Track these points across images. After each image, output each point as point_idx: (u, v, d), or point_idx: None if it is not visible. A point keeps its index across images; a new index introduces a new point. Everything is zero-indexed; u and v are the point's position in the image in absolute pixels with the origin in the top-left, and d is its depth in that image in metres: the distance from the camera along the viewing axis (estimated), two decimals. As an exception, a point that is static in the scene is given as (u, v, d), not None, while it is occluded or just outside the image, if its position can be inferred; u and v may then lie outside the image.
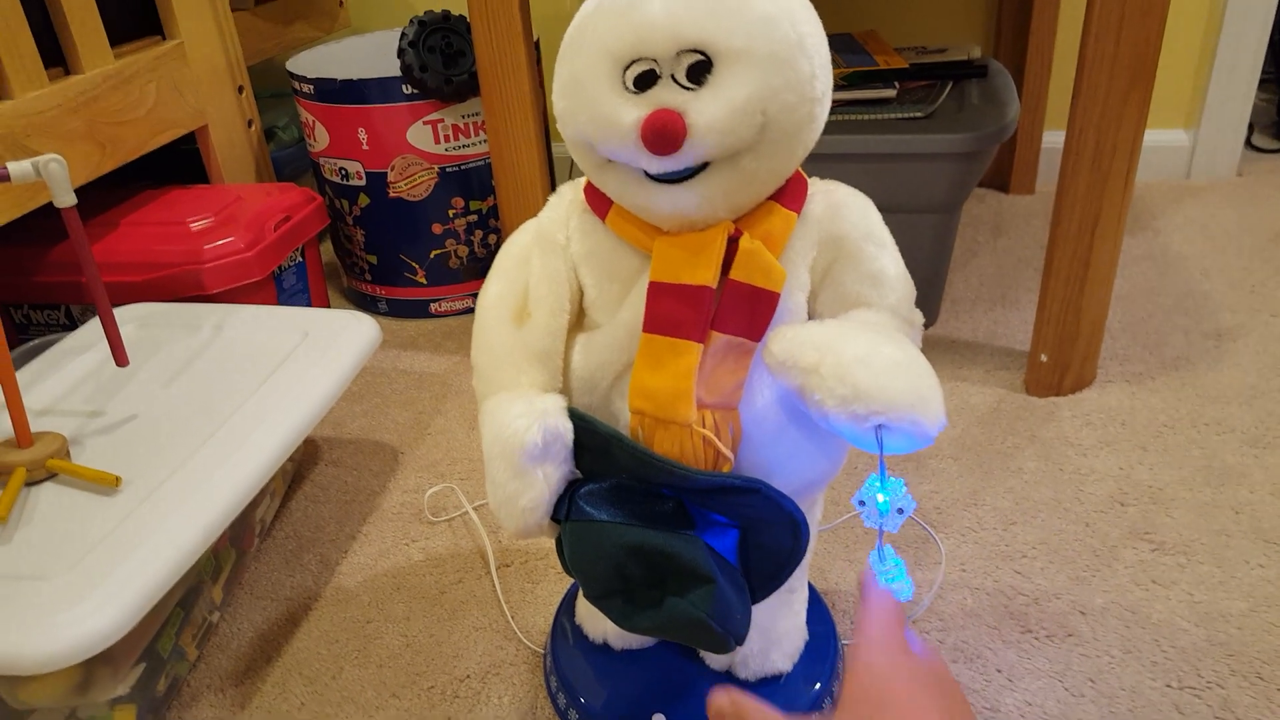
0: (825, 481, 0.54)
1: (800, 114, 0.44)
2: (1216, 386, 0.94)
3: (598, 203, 0.50)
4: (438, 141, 1.08)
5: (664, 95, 0.42)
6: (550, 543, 0.80)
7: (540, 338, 0.50)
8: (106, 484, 0.64)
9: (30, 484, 0.66)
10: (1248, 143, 1.47)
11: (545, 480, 0.47)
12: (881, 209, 0.52)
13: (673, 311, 0.46)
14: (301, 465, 0.92)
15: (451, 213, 1.13)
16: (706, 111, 0.42)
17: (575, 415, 0.48)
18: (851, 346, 0.44)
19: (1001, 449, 0.88)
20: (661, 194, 0.45)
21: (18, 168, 0.62)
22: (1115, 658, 0.65)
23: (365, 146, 1.09)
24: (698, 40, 0.41)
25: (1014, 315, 1.09)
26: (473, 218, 1.14)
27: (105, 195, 1.04)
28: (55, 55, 0.90)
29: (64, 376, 0.78)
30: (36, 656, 0.52)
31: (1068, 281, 0.89)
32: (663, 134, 0.41)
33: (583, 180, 0.52)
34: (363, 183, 1.11)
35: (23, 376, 0.78)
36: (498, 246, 1.16)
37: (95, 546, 0.58)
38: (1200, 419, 0.89)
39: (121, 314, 0.87)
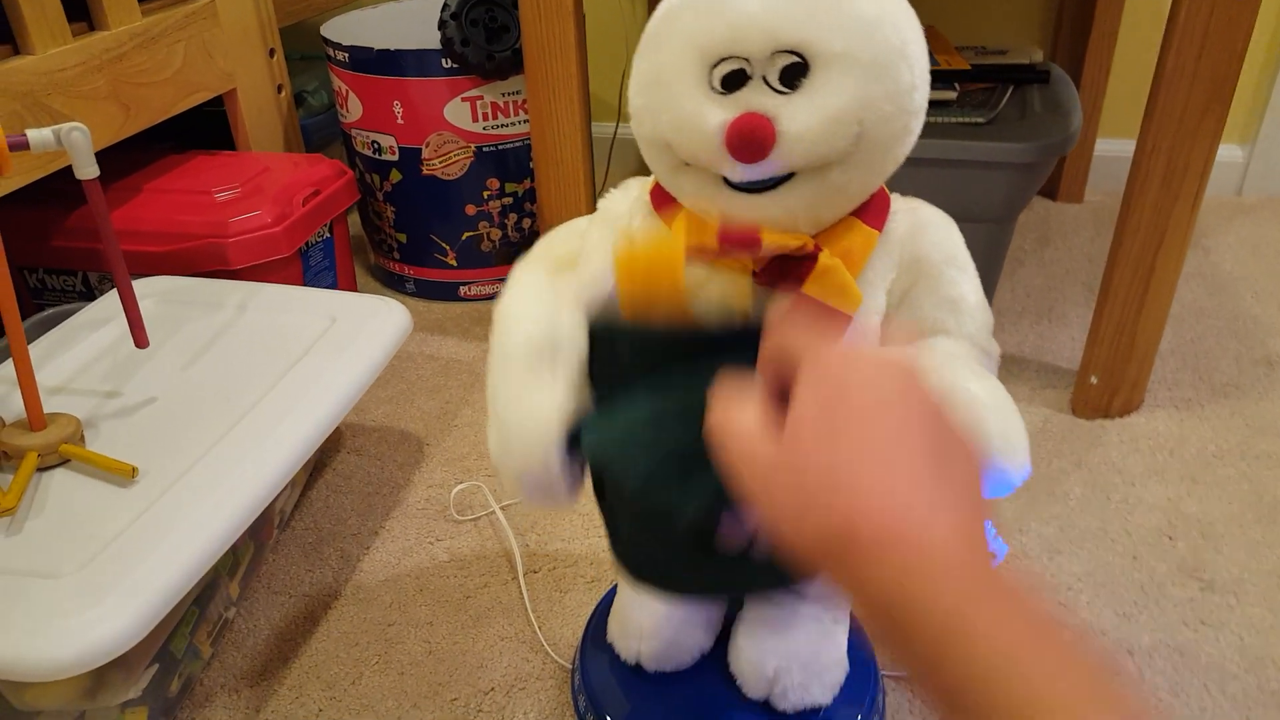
0: None
1: (896, 126, 0.41)
2: (1267, 417, 0.90)
3: (665, 207, 0.47)
4: (475, 120, 1.04)
5: (754, 98, 0.39)
6: (578, 549, 0.76)
7: (578, 286, 0.47)
8: (122, 474, 0.61)
9: (42, 469, 0.62)
10: (1304, 160, 1.42)
11: (558, 385, 0.42)
12: None
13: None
14: (324, 452, 0.89)
15: (486, 194, 1.09)
16: (799, 118, 0.39)
17: (595, 325, 0.43)
18: (936, 380, 0.40)
19: (1048, 472, 0.84)
20: (741, 203, 0.42)
21: (38, 136, 0.58)
22: (1163, 700, 0.63)
23: (400, 120, 1.04)
24: (796, 41, 0.38)
25: (1061, 331, 1.06)
26: (508, 200, 1.10)
27: (126, 158, 1.00)
28: (80, 10, 0.86)
29: (80, 352, 0.75)
30: (44, 662, 0.49)
31: (1125, 303, 0.86)
32: (750, 139, 0.39)
33: (650, 179, 0.48)
34: (395, 158, 1.07)
35: (36, 350, 0.75)
36: (533, 231, 1.13)
37: (109, 543, 0.55)
38: (1250, 451, 0.86)
39: (141, 287, 0.83)
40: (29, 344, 0.78)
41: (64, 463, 0.63)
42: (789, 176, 0.40)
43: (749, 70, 0.39)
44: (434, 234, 1.11)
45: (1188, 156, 0.79)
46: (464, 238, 1.11)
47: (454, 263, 1.13)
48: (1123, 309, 0.86)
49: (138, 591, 0.52)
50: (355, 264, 1.22)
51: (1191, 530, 0.77)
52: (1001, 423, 0.40)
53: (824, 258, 0.42)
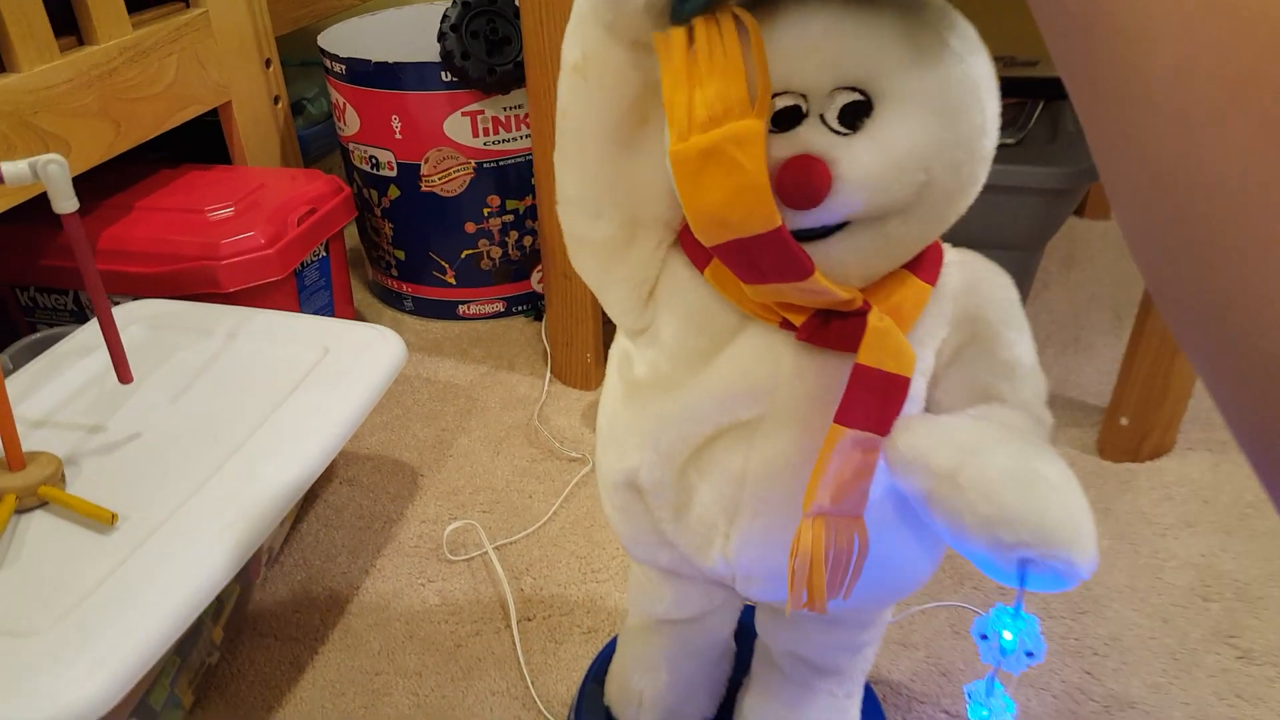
0: (917, 588, 0.48)
1: (965, 175, 0.37)
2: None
3: (696, 252, 0.42)
4: (476, 135, 1.01)
5: (809, 138, 0.35)
6: (575, 595, 0.74)
7: None
8: (101, 520, 0.58)
9: (20, 511, 0.60)
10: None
11: None
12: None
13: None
14: (317, 482, 0.86)
15: (486, 211, 1.06)
16: (860, 162, 0.34)
17: None
18: (999, 455, 0.37)
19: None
20: None
21: (13, 169, 0.55)
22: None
23: (398, 135, 1.01)
24: (860, 77, 0.34)
25: (1087, 363, 1.02)
26: (509, 218, 1.07)
27: (117, 173, 0.97)
28: (68, 24, 0.83)
29: (64, 382, 0.72)
30: (15, 728, 0.46)
31: (1161, 341, 0.81)
32: (804, 184, 0.34)
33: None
34: (394, 174, 1.04)
35: (21, 379, 0.72)
36: (533, 249, 1.10)
37: (86, 597, 0.53)
38: (1283, 497, 0.82)
39: (130, 311, 0.81)
40: (15, 370, 0.76)
41: (42, 505, 0.60)
42: (841, 225, 0.36)
43: (804, 107, 0.35)
44: (433, 251, 1.09)
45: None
46: (463, 256, 1.09)
47: (453, 281, 1.10)
48: (1158, 348, 0.81)
49: (114, 651, 0.49)
50: (353, 279, 1.20)
51: (1226, 591, 0.73)
52: (1070, 510, 0.36)
53: (874, 318, 0.38)
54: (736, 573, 0.46)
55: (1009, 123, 0.92)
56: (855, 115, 0.34)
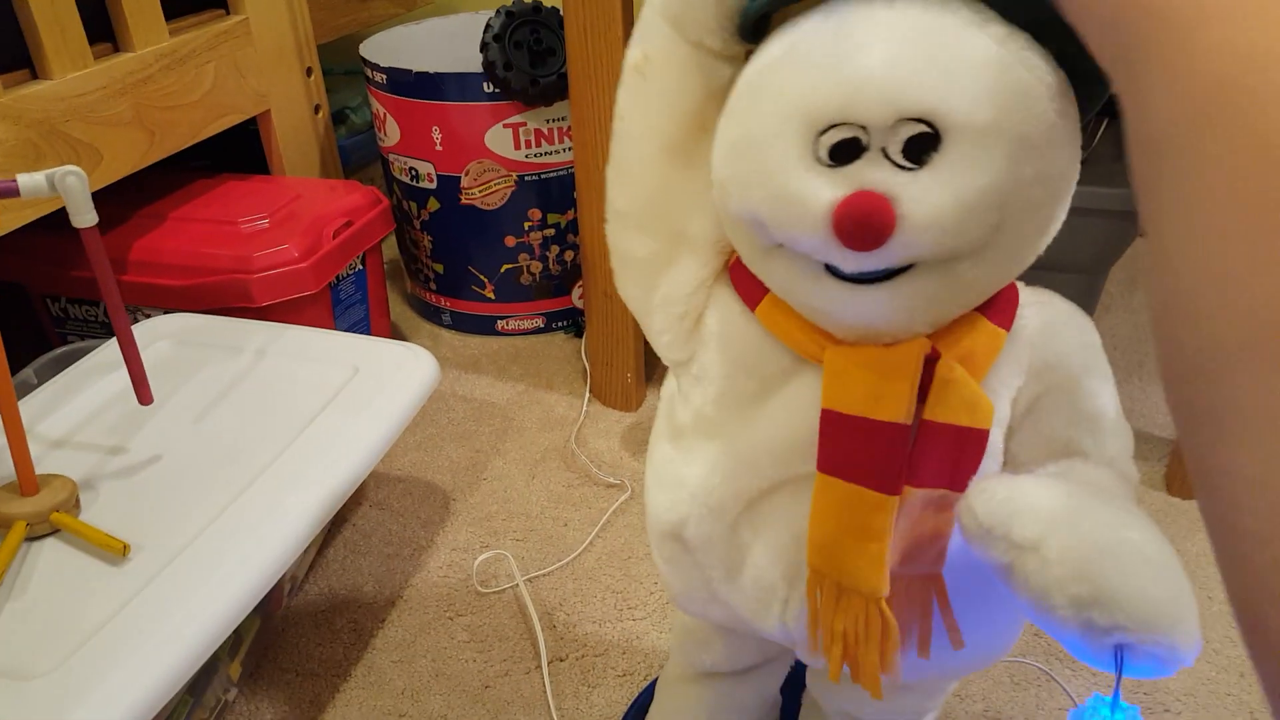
0: (996, 660, 0.44)
1: (1043, 216, 0.33)
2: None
3: (748, 288, 0.39)
4: (518, 147, 0.97)
5: (870, 174, 0.31)
6: (610, 634, 0.70)
7: None
8: (113, 552, 0.55)
9: (32, 538, 0.57)
10: None
11: None
12: None
13: (858, 452, 0.36)
14: (345, 505, 0.83)
15: (527, 225, 1.02)
16: (927, 201, 0.31)
17: None
18: (1090, 526, 0.33)
19: (1139, 559, 0.75)
20: (847, 296, 0.34)
21: (30, 181, 0.53)
22: None
23: (439, 147, 0.98)
24: (927, 108, 0.30)
25: (1153, 390, 0.95)
26: (549, 231, 1.04)
27: (152, 181, 0.95)
28: (103, 30, 0.82)
29: (86, 400, 0.70)
30: (8, 779, 0.44)
31: None
32: (865, 225, 0.31)
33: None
34: (433, 185, 1.01)
35: (42, 396, 0.70)
36: (574, 264, 1.06)
37: (93, 635, 0.50)
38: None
39: (156, 326, 0.78)
40: (39, 384, 0.74)
41: (54, 532, 0.58)
42: (908, 268, 0.33)
43: (865, 140, 0.31)
44: (472, 265, 1.05)
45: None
46: (503, 270, 1.05)
47: (492, 295, 1.07)
48: None
49: (120, 694, 0.46)
50: (391, 292, 1.17)
51: None
52: (1171, 588, 0.32)
53: (943, 368, 0.35)
54: (798, 640, 0.41)
55: None
56: (921, 149, 0.31)
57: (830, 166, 0.32)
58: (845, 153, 0.31)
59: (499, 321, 1.09)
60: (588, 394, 0.97)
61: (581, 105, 0.83)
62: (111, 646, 0.49)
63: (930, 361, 0.35)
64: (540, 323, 1.09)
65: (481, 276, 1.06)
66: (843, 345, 0.36)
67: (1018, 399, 0.38)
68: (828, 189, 0.31)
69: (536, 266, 1.05)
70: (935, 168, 0.31)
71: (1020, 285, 0.39)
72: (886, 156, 0.31)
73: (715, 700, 0.53)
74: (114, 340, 0.77)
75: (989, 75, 0.30)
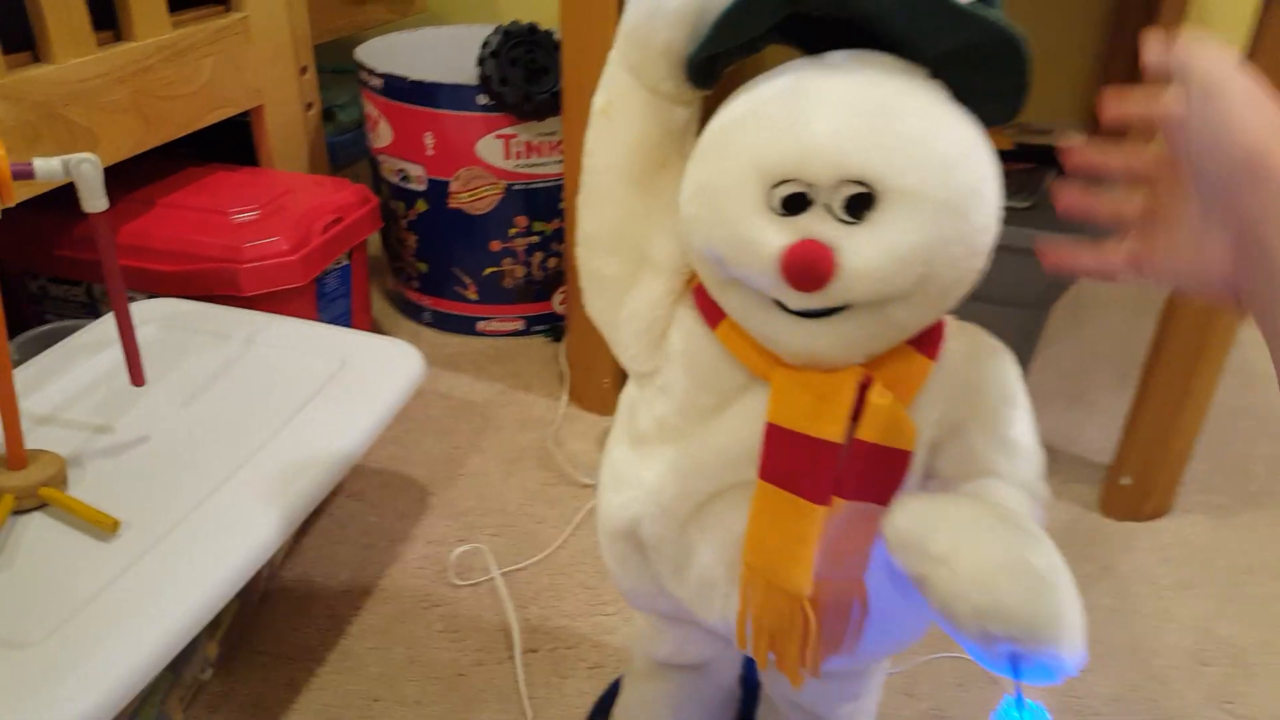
0: (907, 647, 0.49)
1: (963, 268, 0.38)
2: (1304, 532, 0.86)
3: (709, 310, 0.43)
4: (508, 157, 1.00)
5: (815, 225, 0.36)
6: (581, 627, 0.72)
7: None
8: (103, 527, 0.57)
9: (19, 512, 0.58)
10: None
11: None
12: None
13: (794, 464, 0.40)
14: (320, 495, 0.85)
15: (513, 231, 1.05)
16: (862, 254, 0.35)
17: None
18: (993, 545, 0.37)
19: (1076, 578, 0.78)
20: (792, 328, 0.38)
21: (45, 165, 0.54)
22: None
23: (430, 152, 1.01)
24: (864, 172, 0.35)
25: (1091, 419, 1.00)
26: (534, 239, 1.06)
27: (144, 168, 0.96)
28: (107, 18, 0.83)
29: (74, 378, 0.71)
30: (-1, 743, 0.45)
31: (1163, 403, 0.82)
32: (808, 269, 0.35)
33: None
34: (423, 188, 1.04)
35: (28, 372, 0.71)
36: (556, 271, 1.09)
37: (81, 609, 0.51)
38: (1286, 568, 0.81)
39: (145, 309, 0.79)
40: (22, 362, 0.74)
41: (42, 506, 0.59)
42: (844, 306, 0.37)
43: (812, 195, 0.36)
44: (456, 267, 1.08)
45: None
46: (486, 273, 1.07)
47: (474, 297, 1.09)
48: (1160, 410, 0.82)
49: (109, 666, 0.48)
50: (373, 288, 1.19)
51: (1223, 656, 0.73)
52: (1061, 604, 0.36)
53: (874, 394, 0.39)
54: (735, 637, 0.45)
55: (1022, 187, 0.93)
56: (860, 207, 0.36)
57: (782, 215, 0.36)
58: (795, 205, 0.36)
59: (480, 322, 1.11)
60: (565, 396, 0.99)
61: (574, 122, 0.86)
62: (102, 619, 0.51)
63: (864, 387, 0.39)
64: (520, 325, 1.11)
65: (465, 277, 1.08)
66: (789, 367, 0.40)
67: (942, 422, 0.42)
68: (778, 235, 0.36)
69: (520, 271, 1.08)
70: (871, 224, 0.35)
71: (948, 319, 0.43)
72: (830, 211, 0.36)
73: (675, 691, 0.56)
74: (101, 321, 0.78)
75: (919, 148, 0.35)
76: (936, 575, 0.37)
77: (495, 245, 1.06)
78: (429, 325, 1.14)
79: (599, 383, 0.96)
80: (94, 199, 0.56)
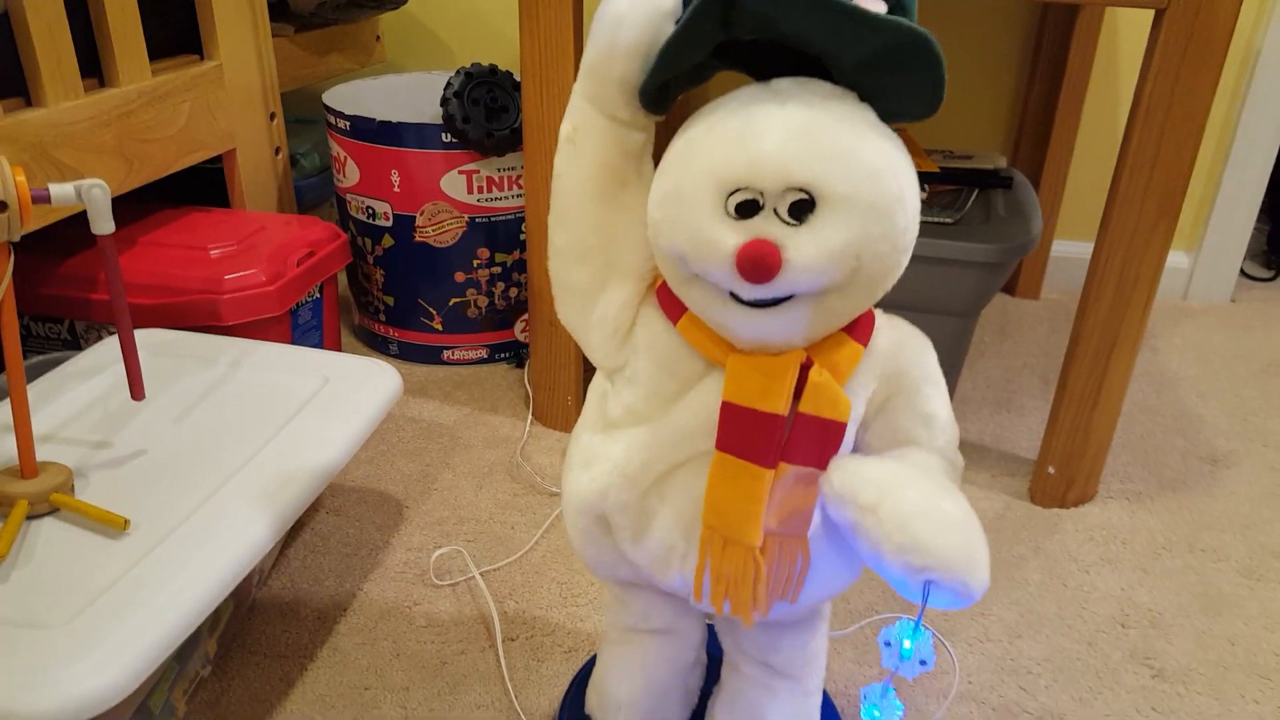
0: (840, 593, 0.55)
1: (889, 262, 0.44)
2: (1212, 513, 0.95)
3: (671, 306, 0.50)
4: (471, 191, 1.07)
5: (764, 226, 0.42)
6: (557, 618, 0.78)
7: None
8: (114, 526, 0.61)
9: (32, 517, 0.62)
10: (1240, 270, 1.51)
11: None
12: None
13: (746, 435, 0.47)
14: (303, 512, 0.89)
15: (476, 262, 1.12)
16: (804, 250, 0.42)
17: None
18: (913, 494, 0.45)
19: (1008, 558, 0.88)
20: (745, 317, 0.45)
21: (60, 190, 0.60)
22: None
23: (396, 189, 1.07)
24: (805, 181, 0.42)
25: (1018, 421, 1.10)
26: (496, 269, 1.13)
27: (122, 210, 1.01)
28: (92, 66, 0.89)
29: (69, 401, 0.75)
30: (30, 714, 0.48)
31: (1081, 399, 0.91)
32: (759, 264, 0.42)
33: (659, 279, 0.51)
34: (389, 224, 1.10)
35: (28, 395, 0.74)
36: (518, 300, 1.16)
37: (99, 596, 0.55)
38: (1197, 544, 0.90)
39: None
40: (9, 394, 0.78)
41: (53, 511, 0.63)
42: (790, 297, 0.44)
43: (761, 201, 0.42)
44: (421, 298, 1.14)
45: (1139, 266, 0.85)
46: (451, 303, 1.14)
47: (439, 327, 1.15)
48: (1078, 406, 0.91)
49: (128, 645, 0.52)
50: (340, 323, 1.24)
51: (1143, 619, 0.80)
52: (969, 541, 0.44)
53: (815, 374, 0.46)
54: (691, 590, 0.51)
55: (948, 205, 1.02)
56: (802, 211, 0.42)
57: (735, 219, 0.43)
58: (747, 210, 0.43)
59: (445, 351, 1.17)
60: (530, 416, 1.06)
61: (534, 157, 0.93)
62: (119, 603, 0.55)
63: (805, 368, 0.46)
64: (484, 353, 1.18)
65: (430, 309, 1.14)
66: (741, 353, 0.47)
67: (872, 399, 0.50)
68: (733, 236, 0.43)
69: (483, 301, 1.15)
70: (811, 225, 0.42)
71: (877, 312, 0.51)
72: (776, 214, 0.42)
73: (645, 655, 0.61)
74: (93, 349, 0.82)
75: (851, 161, 0.42)
76: (866, 522, 0.44)
77: (459, 276, 1.12)
78: (395, 356, 1.19)
79: (562, 401, 1.03)
80: (103, 222, 0.61)
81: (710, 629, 0.65)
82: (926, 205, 1.02)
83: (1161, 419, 1.12)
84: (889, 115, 0.45)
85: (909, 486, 0.45)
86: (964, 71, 1.41)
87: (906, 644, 0.45)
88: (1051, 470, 0.94)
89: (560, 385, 1.02)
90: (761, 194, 0.42)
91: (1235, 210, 1.42)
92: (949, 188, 1.08)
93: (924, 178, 1.08)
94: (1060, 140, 1.35)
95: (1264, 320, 1.41)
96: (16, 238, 0.58)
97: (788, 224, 0.42)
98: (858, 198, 0.42)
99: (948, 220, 0.99)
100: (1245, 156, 1.38)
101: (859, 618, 0.79)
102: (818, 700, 0.62)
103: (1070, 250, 1.46)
